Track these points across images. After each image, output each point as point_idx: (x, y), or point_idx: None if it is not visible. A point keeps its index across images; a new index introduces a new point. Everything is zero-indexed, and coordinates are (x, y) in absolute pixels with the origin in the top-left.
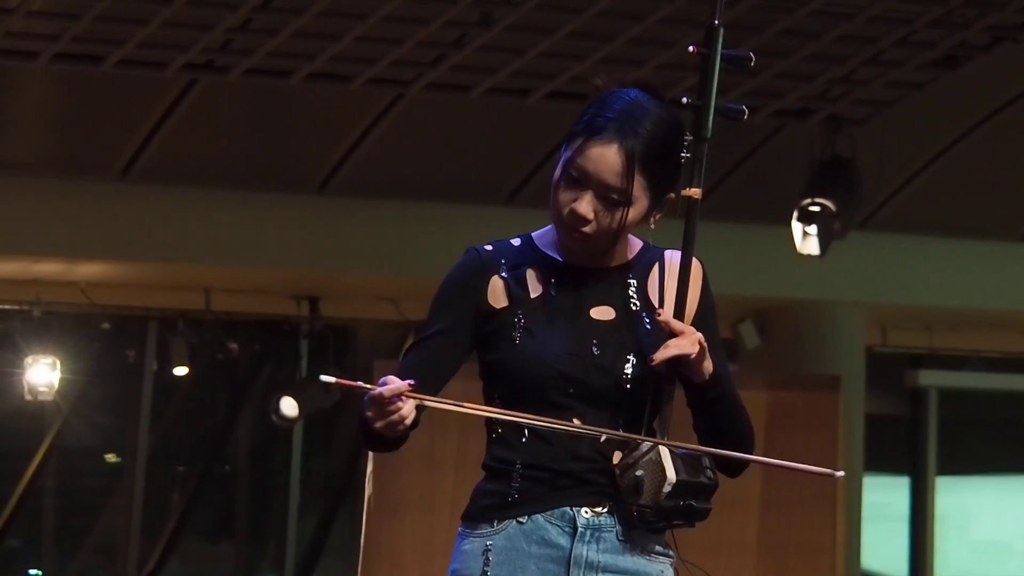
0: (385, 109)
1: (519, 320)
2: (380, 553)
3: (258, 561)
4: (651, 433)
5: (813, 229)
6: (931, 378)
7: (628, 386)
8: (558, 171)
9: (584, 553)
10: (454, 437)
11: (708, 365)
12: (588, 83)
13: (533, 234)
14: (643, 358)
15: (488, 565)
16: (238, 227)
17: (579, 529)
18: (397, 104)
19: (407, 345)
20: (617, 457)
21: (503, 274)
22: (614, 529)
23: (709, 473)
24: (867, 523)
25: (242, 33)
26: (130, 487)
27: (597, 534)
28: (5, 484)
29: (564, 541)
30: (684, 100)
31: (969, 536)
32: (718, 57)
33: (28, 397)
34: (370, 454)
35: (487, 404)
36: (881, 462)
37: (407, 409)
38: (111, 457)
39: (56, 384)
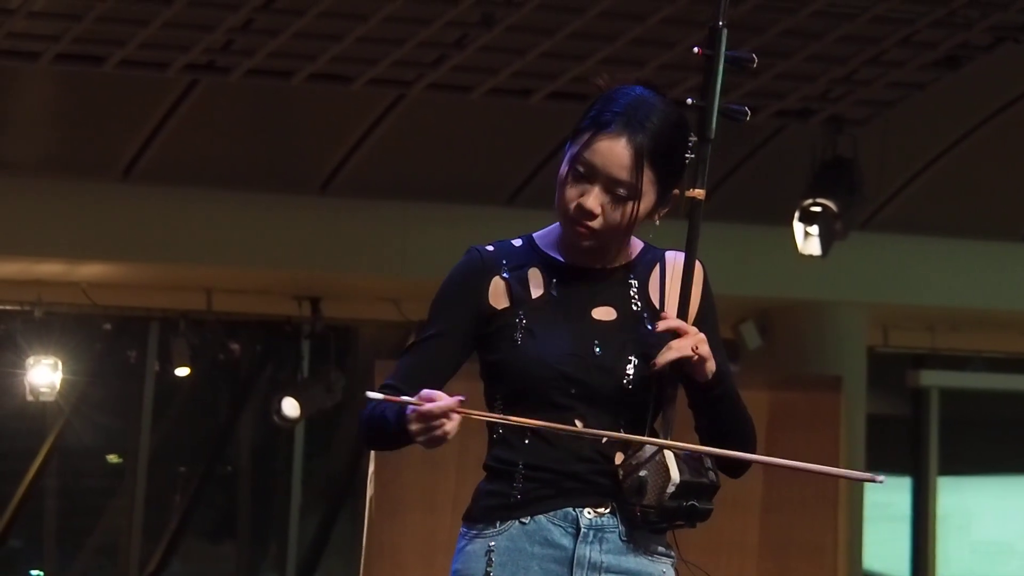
0: (386, 110)
1: (520, 321)
2: (382, 553)
3: (260, 562)
4: (653, 434)
5: (815, 229)
6: (932, 378)
7: (630, 387)
8: (564, 167)
9: (587, 554)
10: (455, 437)
11: (711, 365)
12: (590, 83)
13: (534, 235)
14: (644, 359)
15: (491, 566)
16: (239, 227)
17: (582, 530)
18: (398, 105)
19: (407, 345)
20: (619, 458)
21: (504, 274)
22: (617, 529)
23: (711, 474)
24: (868, 523)
25: (243, 34)
26: (132, 488)
27: (600, 535)
28: (7, 485)
29: (567, 542)
30: (689, 101)
31: (970, 536)
32: (721, 58)
33: (30, 398)
34: (372, 454)
35: (488, 405)
36: (882, 462)
37: (452, 425)
38: (113, 458)
39: (58, 385)
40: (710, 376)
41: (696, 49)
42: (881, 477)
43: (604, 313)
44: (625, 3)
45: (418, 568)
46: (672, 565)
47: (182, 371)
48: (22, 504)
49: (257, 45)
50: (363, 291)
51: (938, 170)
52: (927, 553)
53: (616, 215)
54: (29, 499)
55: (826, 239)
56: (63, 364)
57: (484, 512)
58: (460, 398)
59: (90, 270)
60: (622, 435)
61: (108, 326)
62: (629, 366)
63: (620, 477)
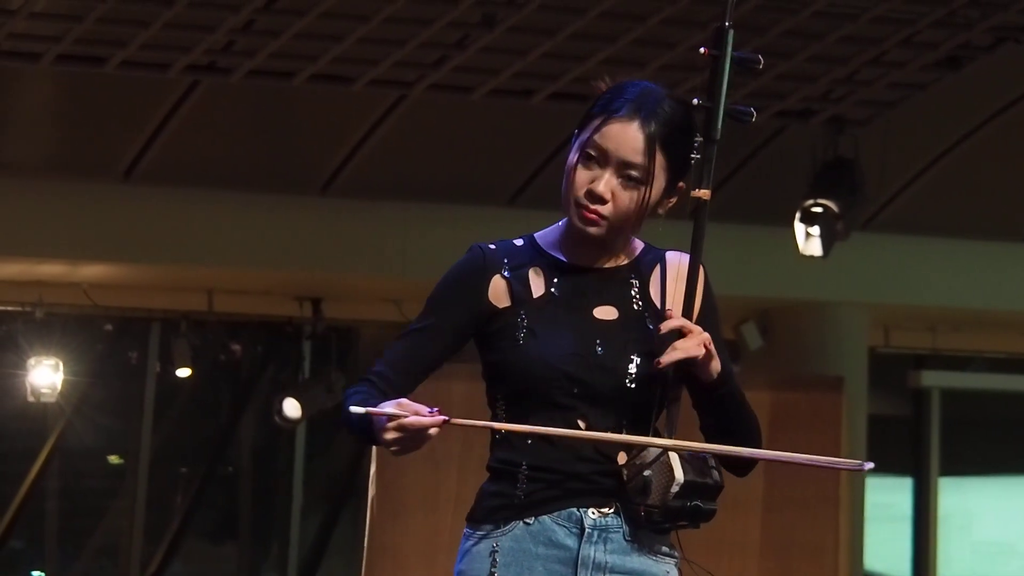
0: (388, 110)
1: (522, 320)
2: (383, 553)
3: (261, 562)
4: (656, 434)
5: (816, 230)
6: (934, 379)
7: (632, 386)
8: (573, 155)
9: (591, 554)
10: (457, 437)
11: (716, 364)
12: (591, 85)
13: (536, 234)
14: (646, 358)
15: (495, 566)
16: (241, 228)
17: (586, 530)
18: (400, 105)
19: (400, 333)
20: (622, 458)
21: (505, 273)
22: (621, 529)
23: (715, 474)
24: (870, 524)
25: (245, 34)
26: (133, 488)
27: (604, 535)
28: (8, 486)
29: (571, 542)
30: (695, 101)
31: (972, 537)
32: (727, 59)
33: (31, 399)
34: (373, 455)
35: (490, 404)
36: (884, 463)
37: (428, 436)
38: (114, 458)
39: (59, 386)
40: (715, 375)
41: (702, 49)
42: (868, 464)
43: (605, 312)
44: (626, 4)
45: (420, 568)
46: (676, 565)
47: (183, 372)
48: (23, 505)
49: (258, 46)
50: (364, 292)
51: (939, 170)
52: (928, 553)
53: (627, 200)
54: (30, 500)
55: (827, 239)
56: (64, 365)
57: (488, 513)
58: (444, 418)
59: (91, 271)
60: (603, 435)
61: (109, 327)
62: (631, 365)
63: (624, 477)
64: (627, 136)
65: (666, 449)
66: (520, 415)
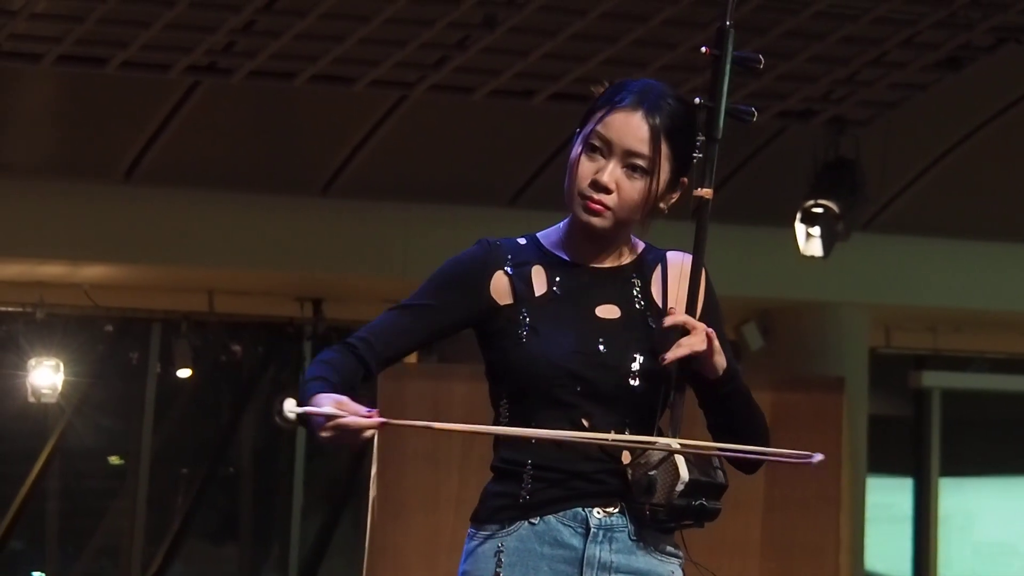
0: (389, 111)
1: (524, 318)
2: (385, 554)
3: (262, 563)
4: (659, 433)
5: (816, 230)
6: (934, 379)
7: (635, 384)
8: (577, 148)
9: (597, 553)
10: (458, 438)
11: (720, 360)
12: (592, 85)
13: (538, 234)
14: (649, 357)
15: (500, 567)
16: (241, 229)
17: (592, 530)
18: (400, 106)
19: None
20: (626, 457)
21: (508, 270)
22: (626, 529)
23: (720, 473)
24: (871, 524)
25: (245, 35)
26: (134, 489)
27: (609, 534)
28: (9, 486)
29: (577, 542)
30: (696, 100)
31: (972, 537)
32: (728, 58)
33: (31, 399)
34: (375, 455)
35: (493, 403)
36: (885, 463)
37: (364, 437)
38: (115, 459)
39: (59, 386)
40: (720, 372)
41: (704, 49)
42: (818, 455)
43: (608, 311)
44: (627, 4)
45: (421, 569)
46: (680, 565)
47: (184, 372)
48: (24, 506)
49: (259, 47)
50: (365, 292)
51: (940, 171)
52: (929, 554)
53: (631, 191)
54: (31, 501)
55: (828, 240)
56: (65, 365)
57: (492, 513)
58: (381, 420)
59: (92, 271)
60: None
61: (110, 327)
62: (634, 364)
63: (629, 476)
64: (631, 125)
65: (671, 445)
66: (523, 414)
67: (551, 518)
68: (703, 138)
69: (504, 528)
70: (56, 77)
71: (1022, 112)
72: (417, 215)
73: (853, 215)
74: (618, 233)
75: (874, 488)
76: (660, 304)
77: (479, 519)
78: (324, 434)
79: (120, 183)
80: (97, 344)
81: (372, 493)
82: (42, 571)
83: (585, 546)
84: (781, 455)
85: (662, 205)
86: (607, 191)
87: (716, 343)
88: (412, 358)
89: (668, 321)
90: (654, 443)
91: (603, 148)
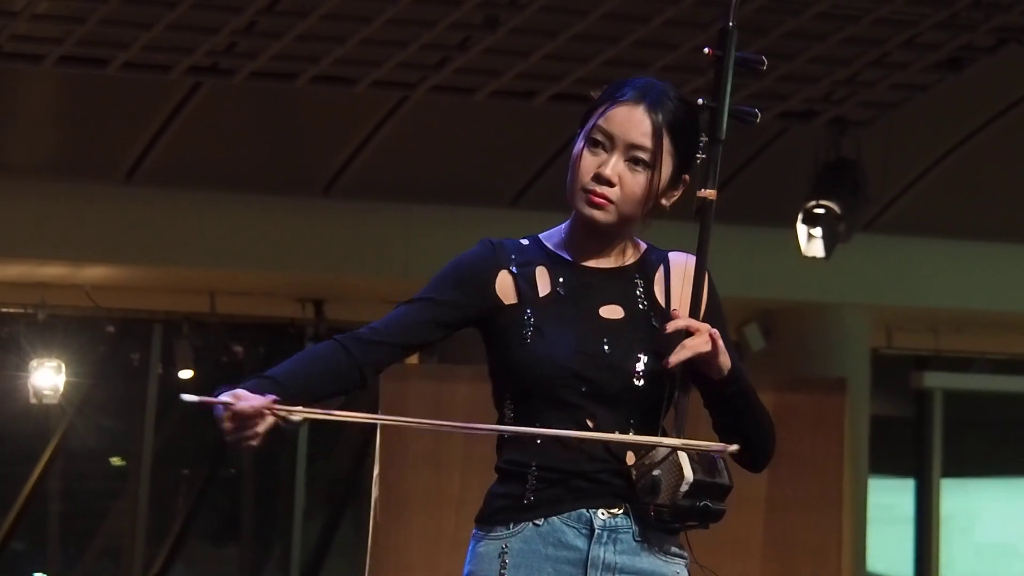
0: (390, 112)
1: (528, 319)
2: (387, 554)
3: (263, 564)
4: (663, 433)
5: (818, 231)
6: (936, 380)
7: (639, 384)
8: (579, 142)
9: (601, 555)
10: (460, 438)
11: (725, 360)
12: (592, 89)
13: (540, 235)
14: (653, 357)
15: (505, 568)
16: (243, 230)
17: (596, 531)
18: (402, 107)
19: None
20: (631, 458)
21: (513, 269)
22: (631, 530)
23: (725, 474)
24: (872, 525)
25: (247, 36)
26: (135, 490)
27: (614, 535)
28: (10, 487)
29: (581, 543)
30: (699, 101)
31: (974, 538)
32: (732, 59)
33: (33, 400)
34: (376, 456)
35: (497, 404)
36: (886, 464)
37: (263, 427)
38: (116, 460)
39: (61, 387)
40: (725, 372)
41: (707, 50)
42: (733, 447)
43: (612, 311)
44: (628, 5)
45: (423, 569)
46: (685, 566)
47: (185, 373)
48: (25, 507)
49: (260, 48)
50: (366, 293)
51: (941, 172)
52: (931, 555)
53: (634, 185)
54: (32, 502)
55: (829, 241)
56: (66, 366)
57: (496, 514)
58: (273, 397)
59: (93, 272)
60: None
61: (111, 328)
62: (638, 364)
63: (633, 477)
64: (634, 119)
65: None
66: (528, 414)
67: (555, 519)
68: (706, 139)
69: (508, 529)
70: (58, 78)
71: (1023, 113)
72: (418, 216)
73: (854, 216)
74: (620, 230)
75: (876, 489)
76: (664, 304)
77: (483, 520)
78: (225, 425)
79: (122, 184)
80: (98, 345)
81: (374, 494)
82: (43, 572)
83: (589, 547)
84: (699, 447)
85: (664, 202)
86: (610, 184)
87: (720, 344)
88: (413, 359)
89: (671, 326)
90: (659, 443)
91: (605, 142)
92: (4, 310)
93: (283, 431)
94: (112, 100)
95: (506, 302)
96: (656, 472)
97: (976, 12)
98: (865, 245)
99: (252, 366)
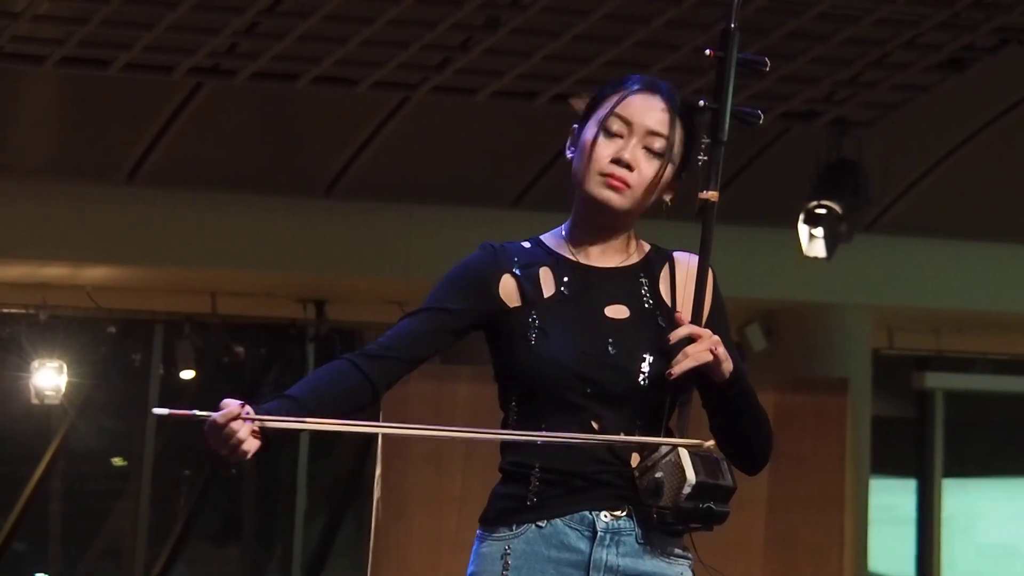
0: (391, 112)
1: (533, 320)
2: (388, 554)
3: (265, 565)
4: (668, 434)
5: (819, 232)
6: (938, 380)
7: (645, 384)
8: (590, 130)
9: (604, 557)
10: (461, 440)
11: (728, 365)
12: (594, 87)
13: (542, 236)
14: (659, 356)
15: (507, 569)
16: (244, 231)
17: (598, 533)
18: (403, 107)
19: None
20: (635, 459)
21: (516, 271)
22: (633, 532)
23: (728, 476)
24: (874, 525)
25: (248, 37)
26: (137, 491)
27: (616, 538)
28: (12, 488)
29: (583, 545)
30: (701, 103)
31: (976, 538)
32: (734, 60)
33: (35, 401)
34: (378, 457)
35: (503, 406)
36: (888, 464)
37: (243, 432)
38: (118, 461)
39: (63, 388)
40: (727, 376)
41: (708, 51)
42: (709, 442)
43: (617, 311)
44: (630, 6)
45: (424, 570)
46: (689, 567)
47: (187, 374)
48: (27, 507)
49: (262, 48)
50: (368, 294)
51: (943, 172)
52: (932, 555)
53: (649, 171)
54: (34, 502)
55: (831, 241)
56: (68, 367)
57: (499, 515)
58: (241, 403)
59: (95, 273)
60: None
61: (113, 329)
62: (644, 364)
63: (636, 478)
64: (652, 107)
65: (677, 448)
66: (532, 416)
67: (558, 521)
68: (708, 140)
69: (511, 530)
70: (59, 79)
71: None
72: (420, 216)
73: (856, 216)
74: (626, 221)
75: (877, 489)
76: (669, 303)
77: (487, 520)
78: (210, 440)
79: (123, 185)
80: (100, 346)
81: (376, 494)
82: (45, 572)
83: (592, 550)
84: (676, 444)
85: (666, 197)
86: (629, 168)
87: (721, 351)
88: None
89: (675, 336)
90: (665, 443)
91: (623, 129)
92: (6, 311)
93: (274, 439)
94: (113, 101)
95: (510, 305)
96: (658, 474)
97: (977, 12)
98: (866, 245)
99: (253, 366)
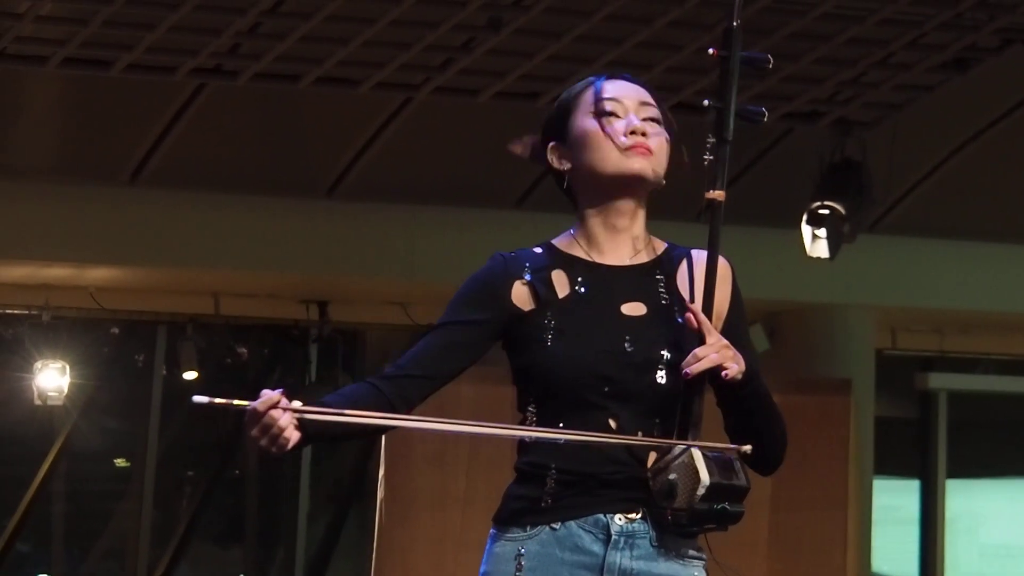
0: (394, 113)
1: (549, 321)
2: (392, 555)
3: (268, 566)
4: (686, 431)
5: (823, 232)
6: (941, 381)
7: (662, 383)
8: (587, 120)
9: (618, 560)
10: (465, 439)
11: (741, 364)
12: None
13: (552, 240)
14: (677, 353)
15: (520, 570)
16: (247, 231)
17: (612, 536)
18: (405, 108)
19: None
20: (652, 459)
21: (527, 277)
22: (648, 535)
23: (742, 476)
24: (877, 526)
25: (250, 37)
26: (139, 491)
27: (631, 541)
28: (15, 489)
29: (598, 548)
30: (705, 102)
31: (979, 539)
32: (736, 59)
33: (38, 402)
34: (382, 458)
35: (521, 409)
36: (891, 465)
37: (284, 421)
38: (120, 461)
39: (65, 389)
40: (740, 376)
41: (711, 50)
42: (746, 447)
43: (633, 308)
44: (632, 6)
45: (428, 570)
46: (703, 568)
47: (190, 375)
48: (30, 508)
49: (264, 49)
50: (370, 295)
51: (946, 172)
52: (935, 556)
53: (659, 137)
54: (37, 503)
55: (834, 242)
56: (71, 368)
57: (514, 515)
58: (281, 390)
59: (98, 274)
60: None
61: (116, 330)
62: (661, 361)
63: (649, 480)
64: (628, 85)
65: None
66: (551, 416)
67: (572, 524)
68: (713, 140)
69: (525, 531)
70: (61, 80)
71: None
72: (422, 217)
73: (859, 217)
74: (651, 187)
75: (880, 490)
76: (688, 298)
77: (501, 520)
78: (252, 432)
79: (126, 185)
80: (103, 346)
81: (379, 495)
82: (48, 573)
83: (606, 553)
84: (712, 448)
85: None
86: (644, 134)
87: (729, 353)
88: None
89: (689, 319)
90: (671, 444)
91: (617, 108)
92: (8, 311)
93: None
94: (116, 102)
95: (524, 309)
96: (672, 476)
97: (981, 13)
98: (870, 246)
99: (256, 367)
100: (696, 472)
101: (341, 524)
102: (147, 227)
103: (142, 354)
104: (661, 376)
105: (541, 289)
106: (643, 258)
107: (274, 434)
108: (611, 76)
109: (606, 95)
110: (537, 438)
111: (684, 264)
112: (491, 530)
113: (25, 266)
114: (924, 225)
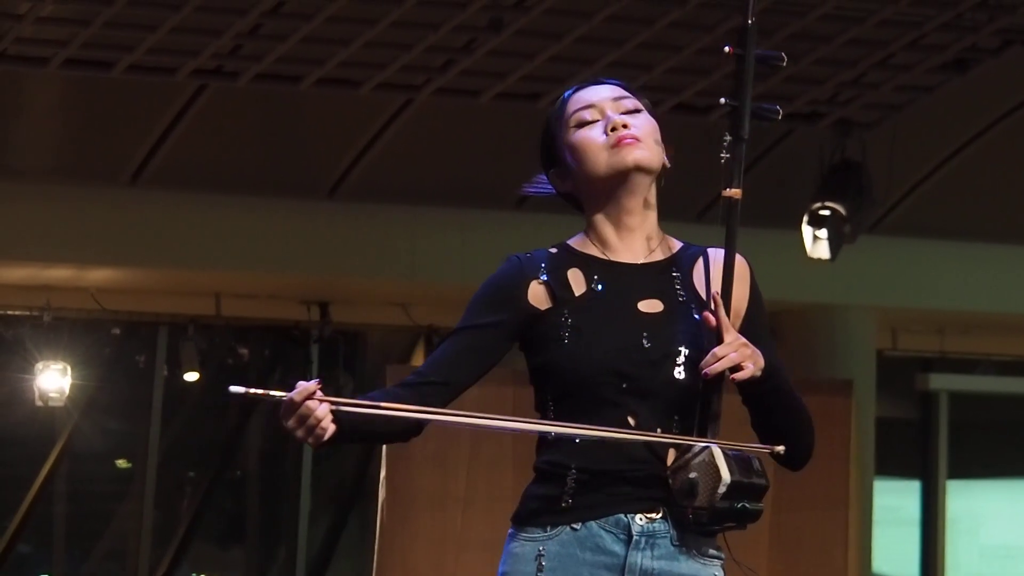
0: (395, 114)
1: (566, 320)
2: (393, 555)
3: (269, 566)
4: (704, 429)
5: (823, 233)
6: (942, 382)
7: (680, 379)
8: (572, 133)
9: (639, 560)
10: (465, 439)
11: (759, 362)
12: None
13: (567, 241)
14: (695, 349)
15: (541, 571)
16: (248, 232)
17: (634, 536)
18: (406, 109)
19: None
20: (671, 456)
21: (543, 277)
22: (668, 535)
23: (762, 473)
24: (878, 527)
25: (251, 39)
26: (141, 492)
27: (652, 541)
28: (16, 490)
29: (619, 548)
30: (722, 100)
31: (980, 540)
32: (752, 57)
33: (39, 403)
34: (383, 458)
35: (539, 408)
36: (892, 466)
37: (321, 411)
38: (122, 462)
39: (67, 390)
40: (758, 374)
41: (727, 48)
42: (780, 447)
43: (650, 306)
44: (633, 7)
45: (429, 570)
46: (722, 566)
47: (191, 376)
48: (31, 509)
49: (265, 50)
50: (372, 295)
51: (946, 173)
52: (936, 557)
53: (642, 120)
54: (38, 504)
55: (835, 242)
56: (72, 369)
57: (533, 516)
58: (317, 380)
59: (99, 275)
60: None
61: (117, 331)
62: (679, 358)
63: (669, 479)
64: (599, 87)
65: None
66: (569, 415)
67: (593, 524)
68: (729, 138)
69: (544, 532)
70: (62, 81)
71: None
72: (424, 218)
73: (860, 217)
74: (653, 171)
75: (881, 490)
76: (704, 296)
77: (520, 520)
78: (288, 423)
79: (127, 186)
80: (104, 347)
81: (380, 495)
82: (49, 574)
83: (627, 553)
84: (750, 448)
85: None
86: (625, 126)
87: (748, 351)
88: (417, 359)
89: (707, 318)
90: (700, 442)
91: (593, 113)
92: (9, 313)
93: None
94: (117, 103)
95: (541, 308)
96: (692, 475)
97: (981, 14)
98: (870, 247)
99: (257, 368)
100: (717, 470)
101: (342, 524)
102: (148, 228)
103: (143, 355)
104: (679, 372)
105: (558, 288)
106: (658, 256)
107: (311, 425)
108: (580, 86)
109: (579, 105)
110: (559, 435)
111: (700, 262)
112: (509, 529)
113: (26, 267)
114: (924, 226)
